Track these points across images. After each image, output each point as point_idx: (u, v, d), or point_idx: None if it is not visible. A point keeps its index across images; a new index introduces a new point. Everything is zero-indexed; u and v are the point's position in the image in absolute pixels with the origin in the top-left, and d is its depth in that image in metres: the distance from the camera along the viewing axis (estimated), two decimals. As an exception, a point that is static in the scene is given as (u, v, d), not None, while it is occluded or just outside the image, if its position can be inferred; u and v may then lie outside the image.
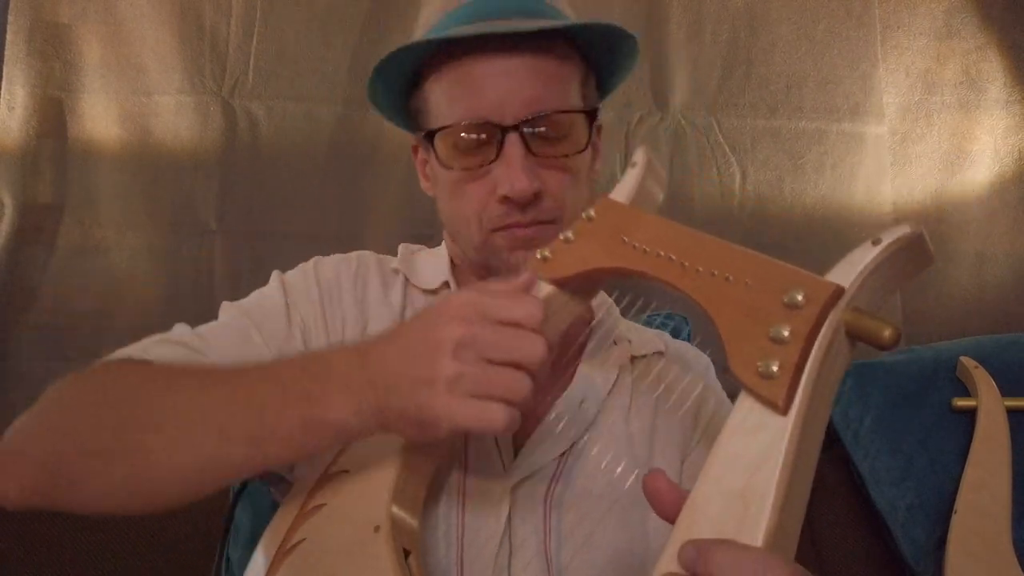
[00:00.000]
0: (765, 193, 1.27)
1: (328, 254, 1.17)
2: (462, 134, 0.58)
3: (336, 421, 0.44)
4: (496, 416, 0.41)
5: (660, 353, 0.70)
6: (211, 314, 1.13)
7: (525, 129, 0.57)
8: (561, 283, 0.52)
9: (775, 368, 0.37)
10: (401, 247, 0.73)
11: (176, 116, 1.16)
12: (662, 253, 0.47)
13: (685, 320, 1.04)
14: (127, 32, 1.15)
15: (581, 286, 0.54)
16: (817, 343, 0.37)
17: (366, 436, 0.46)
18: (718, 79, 1.27)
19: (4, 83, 1.12)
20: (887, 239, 0.38)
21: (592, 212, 0.53)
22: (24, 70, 1.12)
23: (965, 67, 1.30)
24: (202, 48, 1.16)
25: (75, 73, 1.14)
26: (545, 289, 0.52)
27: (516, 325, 0.43)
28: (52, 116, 1.13)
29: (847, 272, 0.38)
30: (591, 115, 0.62)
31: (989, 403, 0.99)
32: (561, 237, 0.53)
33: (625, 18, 1.25)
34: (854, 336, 0.38)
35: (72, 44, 1.14)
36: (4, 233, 1.11)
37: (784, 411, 0.37)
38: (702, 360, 0.74)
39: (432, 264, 0.69)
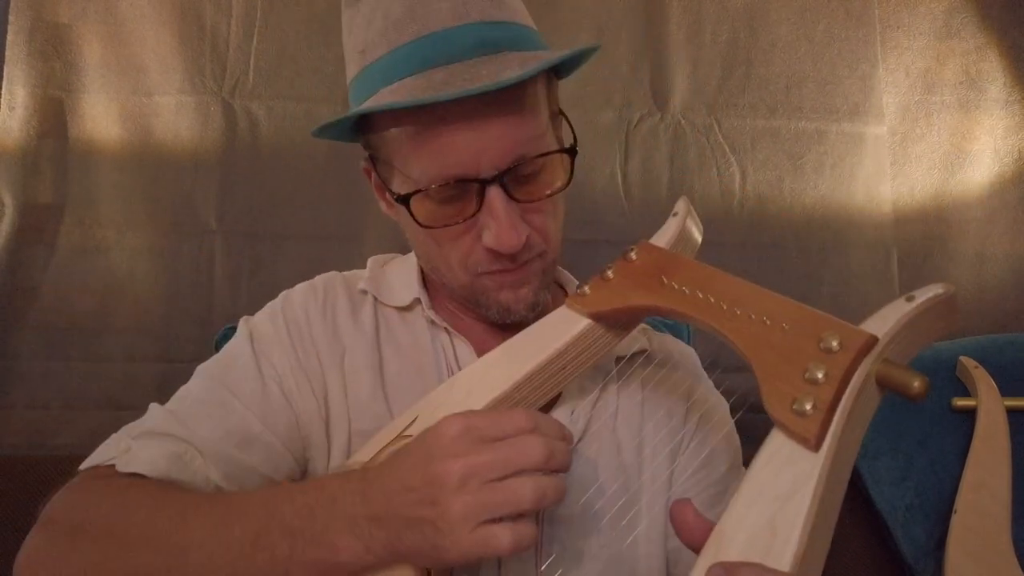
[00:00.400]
0: (765, 193, 1.27)
1: (328, 254, 1.19)
2: (439, 196, 0.55)
3: (348, 562, 0.45)
4: (502, 542, 0.41)
5: (644, 351, 0.69)
6: (211, 314, 1.14)
7: (506, 178, 0.55)
8: (597, 317, 0.55)
9: (809, 407, 0.39)
10: (370, 261, 0.72)
11: (176, 116, 1.16)
12: (701, 295, 0.49)
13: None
14: (127, 32, 1.15)
15: (617, 321, 0.56)
16: (850, 386, 0.39)
17: (384, 567, 0.46)
18: (718, 79, 1.27)
19: (4, 83, 1.12)
20: (920, 297, 0.40)
21: (633, 254, 0.56)
22: (24, 70, 1.12)
23: (965, 67, 1.30)
24: (202, 48, 1.16)
25: (75, 73, 1.13)
26: (582, 322, 0.55)
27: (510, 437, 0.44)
28: (52, 116, 1.13)
29: (880, 325, 0.40)
30: (570, 151, 0.59)
31: (989, 403, 1.00)
32: (600, 275, 0.56)
33: (625, 18, 1.25)
34: (884, 385, 0.40)
35: (72, 44, 1.14)
36: (4, 233, 1.11)
37: (816, 448, 0.38)
38: (687, 351, 0.74)
39: (402, 279, 0.68)
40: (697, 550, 0.39)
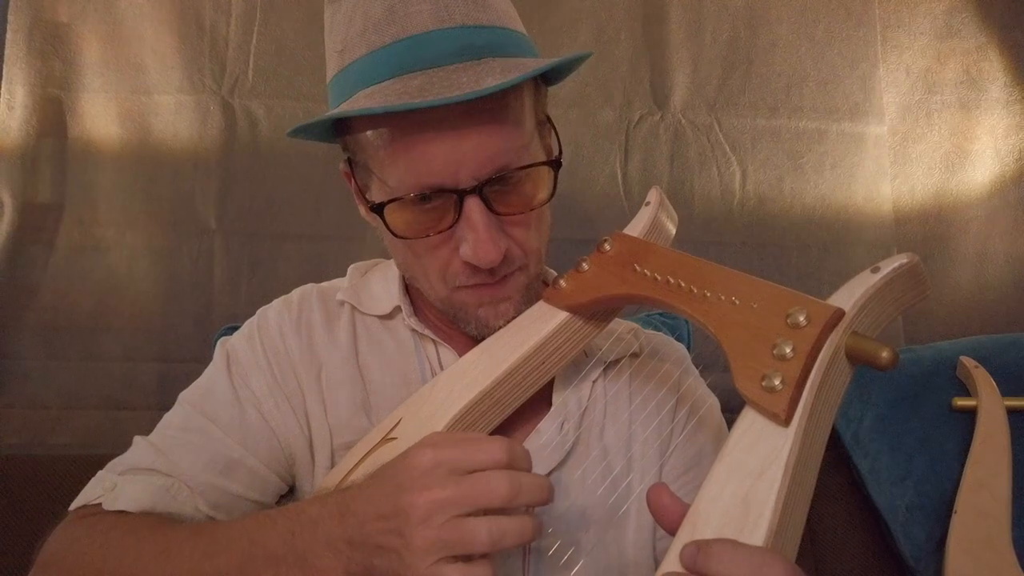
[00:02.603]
0: (765, 193, 1.27)
1: (328, 254, 1.19)
2: (416, 206, 0.53)
3: None
4: None
5: (634, 355, 0.68)
6: (210, 314, 1.14)
7: (486, 190, 0.52)
8: (575, 309, 0.55)
9: (778, 382, 0.39)
10: (351, 269, 0.71)
11: (175, 115, 1.16)
12: (672, 280, 0.50)
13: (685, 320, 1.04)
14: (127, 31, 1.15)
15: (595, 312, 0.57)
16: (818, 360, 0.39)
17: None
18: (718, 79, 1.26)
19: (4, 82, 1.11)
20: (886, 267, 0.40)
21: (607, 244, 0.56)
22: (24, 69, 1.12)
23: (966, 67, 1.30)
24: (202, 47, 1.16)
25: (75, 72, 1.13)
26: (560, 316, 0.55)
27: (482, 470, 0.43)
28: (52, 115, 1.13)
29: (847, 297, 0.41)
30: (554, 163, 0.57)
31: (989, 403, 0.99)
32: (575, 267, 0.56)
33: (625, 17, 1.25)
34: (853, 358, 0.40)
35: (72, 43, 1.13)
36: (4, 232, 1.11)
37: (786, 422, 0.38)
38: (678, 349, 0.73)
39: (383, 287, 0.67)
40: (675, 533, 0.39)
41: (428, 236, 0.54)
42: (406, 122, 0.51)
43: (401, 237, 0.55)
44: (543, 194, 0.57)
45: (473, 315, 0.59)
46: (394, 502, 0.43)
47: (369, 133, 0.54)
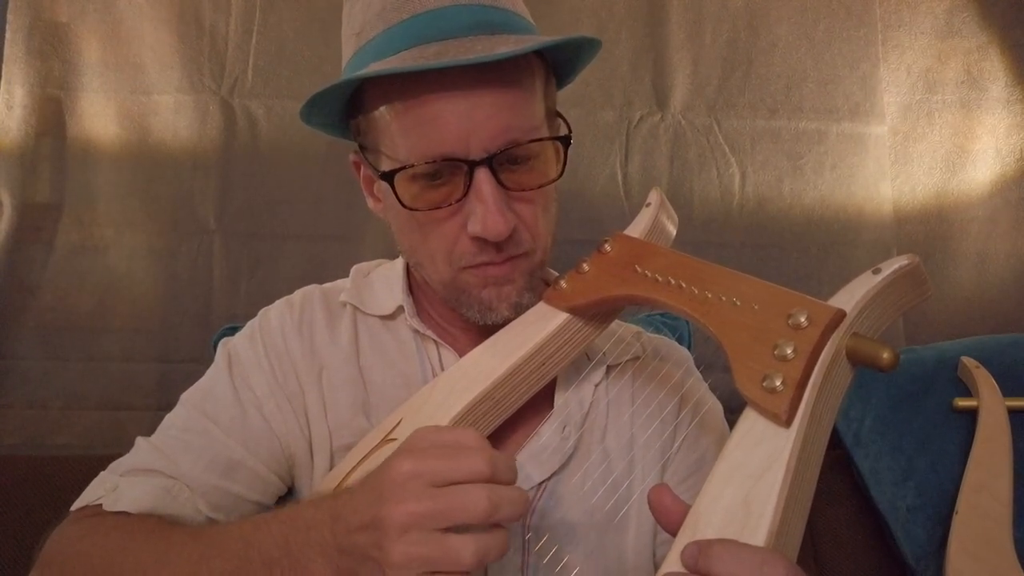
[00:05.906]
0: (765, 193, 1.26)
1: (327, 254, 1.19)
2: (425, 174, 0.53)
3: None
4: None
5: (636, 358, 0.68)
6: (210, 314, 1.14)
7: (495, 163, 0.53)
8: (575, 310, 0.55)
9: (779, 383, 0.39)
10: (353, 270, 0.71)
11: (175, 115, 1.15)
12: (673, 281, 0.50)
13: (685, 320, 1.04)
14: (126, 31, 1.15)
15: (595, 313, 0.57)
16: (819, 361, 0.39)
17: None
18: (718, 79, 1.26)
19: (3, 82, 1.11)
20: (887, 269, 0.40)
21: (607, 245, 0.56)
22: (23, 69, 1.12)
23: (966, 66, 1.29)
24: (201, 47, 1.16)
25: (74, 72, 1.13)
26: (561, 316, 0.55)
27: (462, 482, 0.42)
28: (51, 115, 1.13)
29: (848, 298, 0.41)
30: (564, 140, 0.57)
31: (990, 403, 0.99)
32: (576, 268, 0.57)
33: (626, 17, 1.25)
34: (854, 359, 0.40)
35: (71, 43, 1.13)
36: (3, 232, 1.11)
37: (787, 423, 0.38)
38: (681, 352, 0.73)
39: (385, 287, 0.67)
40: (676, 534, 0.39)
41: (438, 208, 0.55)
42: (419, 87, 0.52)
43: (410, 208, 0.55)
44: (552, 173, 0.57)
45: (476, 297, 0.58)
46: (375, 512, 0.42)
47: (382, 108, 0.54)
